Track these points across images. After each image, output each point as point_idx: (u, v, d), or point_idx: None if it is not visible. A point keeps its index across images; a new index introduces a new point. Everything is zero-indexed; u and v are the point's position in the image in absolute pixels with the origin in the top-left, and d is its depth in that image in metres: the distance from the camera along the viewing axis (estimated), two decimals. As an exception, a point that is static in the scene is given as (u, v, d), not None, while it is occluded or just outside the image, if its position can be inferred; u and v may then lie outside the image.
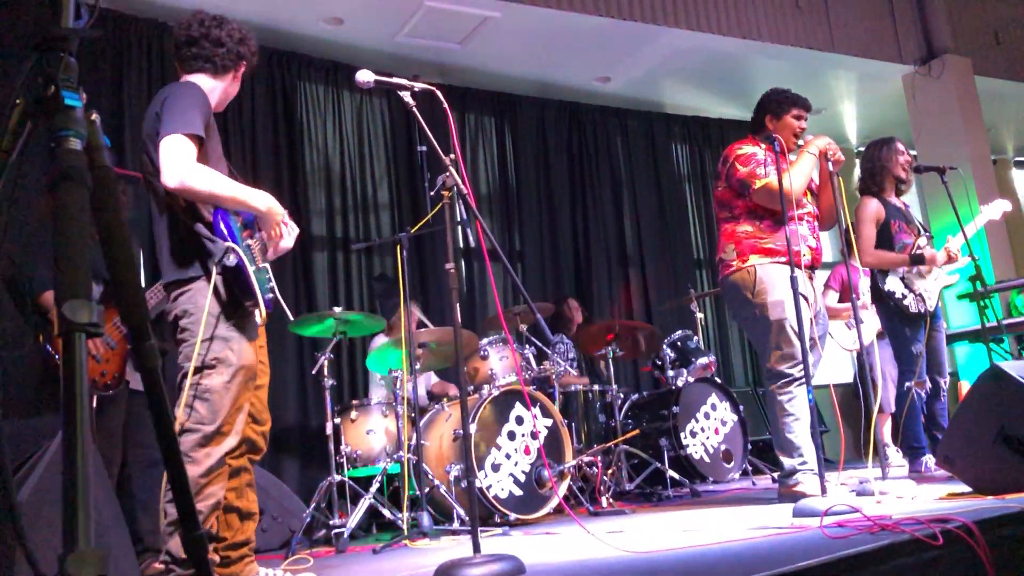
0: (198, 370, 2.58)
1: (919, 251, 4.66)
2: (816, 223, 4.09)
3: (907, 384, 4.60)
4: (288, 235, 2.95)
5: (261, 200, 2.77)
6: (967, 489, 3.23)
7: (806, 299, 3.93)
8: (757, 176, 3.89)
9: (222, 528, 2.71)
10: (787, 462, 3.80)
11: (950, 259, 4.72)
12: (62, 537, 0.91)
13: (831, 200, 4.00)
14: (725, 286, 4.05)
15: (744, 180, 3.93)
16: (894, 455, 5.60)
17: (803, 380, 3.79)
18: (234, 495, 2.73)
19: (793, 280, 3.42)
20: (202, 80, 2.85)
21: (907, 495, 3.41)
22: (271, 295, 2.77)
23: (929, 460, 4.61)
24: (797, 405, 3.79)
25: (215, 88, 2.87)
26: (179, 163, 2.55)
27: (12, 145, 1.12)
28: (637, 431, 5.56)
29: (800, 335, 3.52)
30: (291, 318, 2.90)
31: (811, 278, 4.04)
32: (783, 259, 3.83)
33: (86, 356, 1.00)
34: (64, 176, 1.07)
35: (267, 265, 2.81)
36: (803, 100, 4.15)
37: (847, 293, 5.83)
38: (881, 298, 4.72)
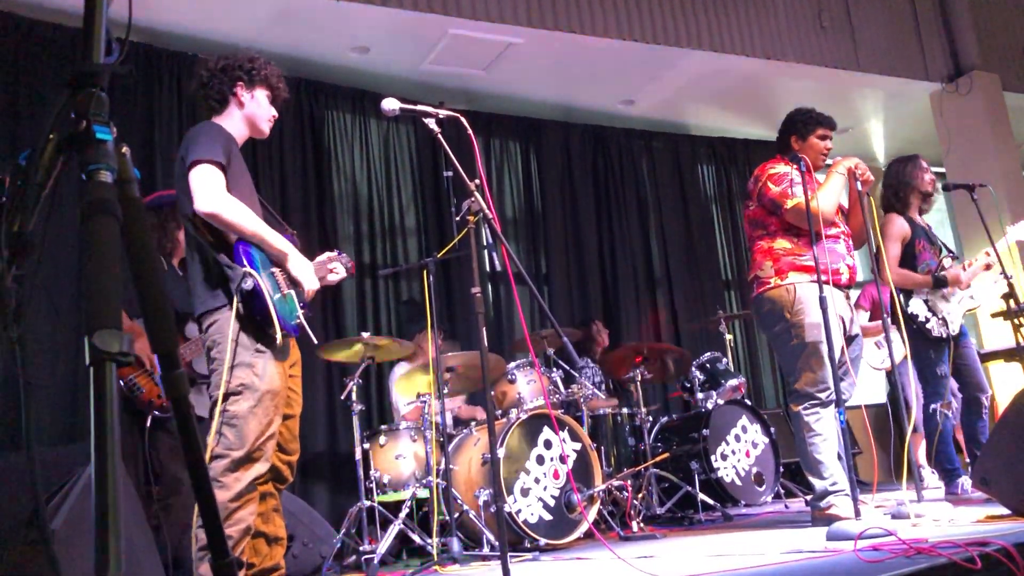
0: (225, 397, 2.62)
1: (943, 272, 4.60)
2: (850, 242, 4.07)
3: (932, 406, 4.54)
4: (337, 273, 3.11)
5: (280, 244, 2.83)
6: (1006, 511, 3.17)
7: (842, 320, 3.91)
8: (788, 195, 3.88)
9: (250, 554, 2.72)
10: (818, 484, 3.76)
11: (988, 267, 4.66)
12: (94, 563, 0.92)
13: (861, 220, 3.98)
14: (760, 303, 4.01)
15: (776, 199, 3.93)
16: (929, 477, 5.51)
17: (829, 402, 3.77)
18: (260, 520, 2.75)
19: (823, 300, 3.42)
20: (220, 120, 2.96)
21: (943, 518, 3.34)
22: (297, 322, 2.80)
23: (965, 481, 4.52)
24: (824, 425, 3.76)
25: (230, 122, 2.96)
26: (210, 190, 2.65)
27: (46, 179, 1.15)
28: (667, 454, 5.51)
29: (831, 358, 3.49)
30: (315, 341, 2.93)
31: (848, 298, 4.01)
32: (822, 277, 3.83)
33: (116, 385, 1.01)
34: (95, 208, 1.10)
35: (292, 292, 2.84)
36: (828, 120, 4.14)
37: (877, 312, 5.77)
38: (904, 320, 4.65)
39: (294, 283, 2.86)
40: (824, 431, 3.75)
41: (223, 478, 2.55)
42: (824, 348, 3.66)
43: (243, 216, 2.69)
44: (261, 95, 3.00)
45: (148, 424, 3.89)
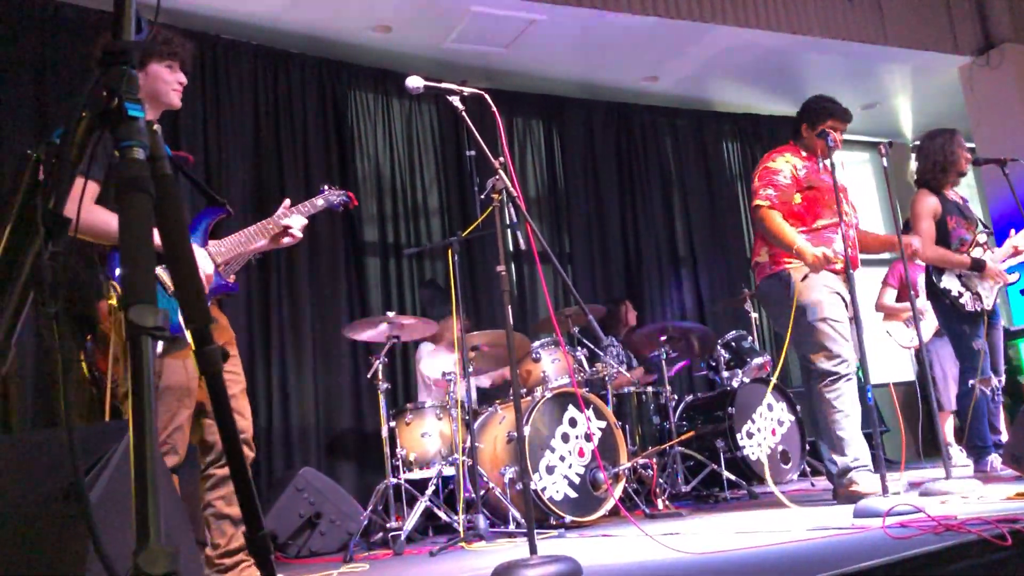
0: (126, 397, 2.61)
1: (981, 259, 4.55)
2: (850, 231, 4.00)
3: (971, 381, 4.49)
4: (292, 235, 3.01)
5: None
6: (1036, 488, 3.15)
7: (843, 299, 3.89)
8: (758, 196, 3.98)
9: (215, 535, 2.74)
10: (840, 460, 3.74)
11: (1016, 252, 4.61)
12: (134, 534, 0.94)
13: (878, 248, 4.31)
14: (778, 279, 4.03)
15: (752, 192, 4.06)
16: (957, 455, 5.47)
17: (849, 377, 3.76)
18: (223, 503, 2.76)
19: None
20: None
21: (973, 495, 3.32)
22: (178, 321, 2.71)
23: (995, 459, 4.49)
24: (845, 402, 3.74)
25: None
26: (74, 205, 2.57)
27: (79, 157, 1.16)
28: (692, 433, 5.50)
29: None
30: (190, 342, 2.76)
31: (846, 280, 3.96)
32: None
33: (153, 358, 1.03)
34: (129, 185, 1.11)
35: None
36: (841, 112, 4.07)
37: (905, 291, 5.72)
38: (936, 296, 4.61)
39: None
40: (847, 408, 3.74)
41: None
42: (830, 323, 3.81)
43: (95, 223, 2.49)
44: (156, 69, 2.82)
45: None
